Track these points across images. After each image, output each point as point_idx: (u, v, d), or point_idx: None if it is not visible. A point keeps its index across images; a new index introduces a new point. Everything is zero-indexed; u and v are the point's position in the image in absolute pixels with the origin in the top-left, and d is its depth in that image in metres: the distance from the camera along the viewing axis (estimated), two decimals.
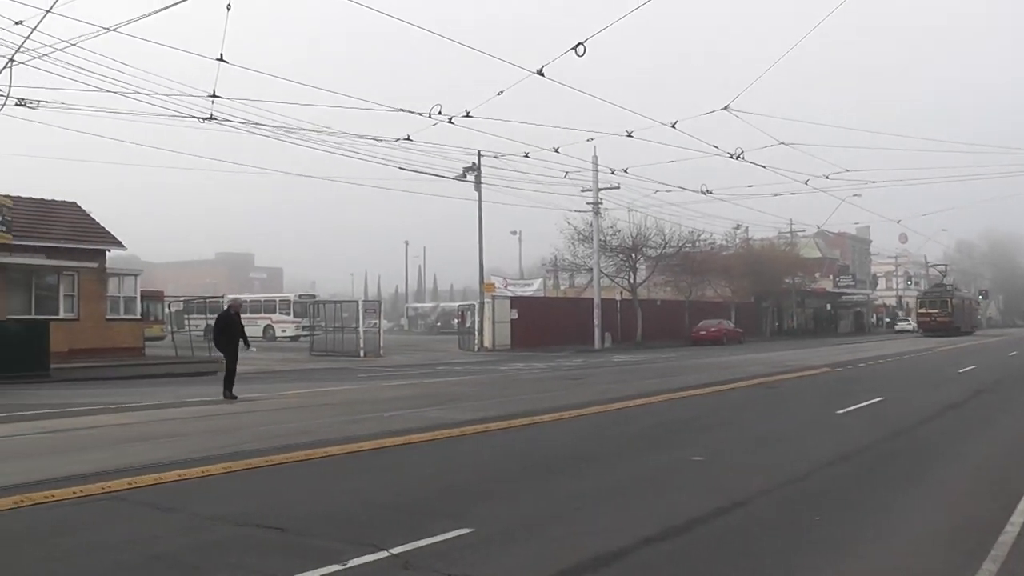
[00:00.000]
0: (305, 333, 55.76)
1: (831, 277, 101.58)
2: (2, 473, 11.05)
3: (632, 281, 63.46)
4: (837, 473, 11.49)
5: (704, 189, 44.64)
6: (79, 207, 41.21)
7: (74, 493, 9.75)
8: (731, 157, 35.05)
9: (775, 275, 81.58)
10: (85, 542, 7.86)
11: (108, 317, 37.85)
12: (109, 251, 38.39)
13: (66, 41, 26.05)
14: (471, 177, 49.34)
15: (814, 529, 8.47)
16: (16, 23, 26.81)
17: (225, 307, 22.94)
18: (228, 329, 21.71)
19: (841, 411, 18.26)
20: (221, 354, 22.09)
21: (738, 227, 79.99)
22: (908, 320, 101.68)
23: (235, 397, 20.86)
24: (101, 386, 25.97)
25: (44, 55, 26.27)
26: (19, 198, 38.46)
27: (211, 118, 28.73)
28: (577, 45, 21.63)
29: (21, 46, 25.54)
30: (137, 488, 10.06)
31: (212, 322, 23.37)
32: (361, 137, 34.99)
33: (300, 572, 6.81)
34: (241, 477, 10.96)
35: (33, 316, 33.56)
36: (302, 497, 9.73)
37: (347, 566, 6.99)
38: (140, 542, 7.79)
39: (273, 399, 21.67)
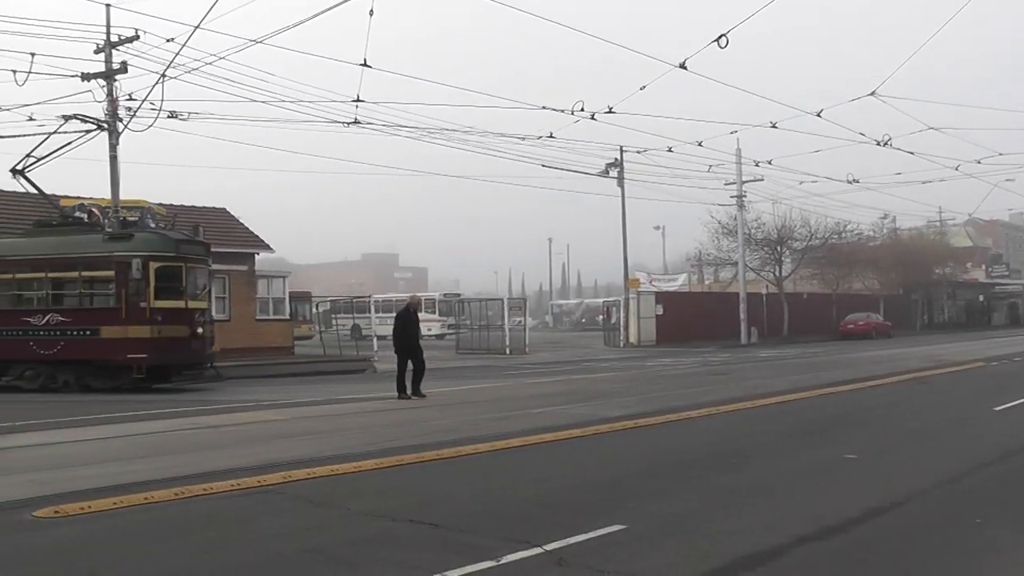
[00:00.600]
0: (451, 331, 56.44)
1: (983, 267, 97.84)
2: (163, 466, 11.50)
3: (778, 274, 62.33)
4: (997, 473, 11.06)
5: (850, 178, 43.52)
6: (228, 212, 42.60)
7: (231, 486, 10.05)
8: (878, 144, 34.08)
9: (924, 266, 78.88)
10: (243, 533, 8.09)
11: (258, 317, 38.85)
12: (258, 254, 39.47)
13: (214, 55, 26.98)
14: (613, 173, 49.18)
15: (974, 532, 8.15)
16: (167, 40, 27.90)
17: (405, 305, 21.85)
18: (408, 327, 21.04)
19: (998, 407, 17.59)
20: (396, 353, 21.11)
21: (885, 217, 77.79)
22: None
23: (423, 395, 20.60)
24: (253, 384, 26.83)
25: (193, 69, 27.28)
26: (171, 206, 39.95)
27: (355, 122, 29.34)
28: (720, 37, 21.30)
29: (172, 62, 26.56)
30: (291, 482, 10.29)
31: (354, 318, 22.60)
32: (503, 135, 35.32)
33: (454, 568, 6.84)
34: (393, 473, 11.12)
35: None
36: (454, 493, 9.81)
37: (501, 562, 7.00)
38: (295, 535, 7.95)
39: (419, 398, 21.95)
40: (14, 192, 39.37)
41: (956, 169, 40.88)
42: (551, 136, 33.40)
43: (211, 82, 49.31)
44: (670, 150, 38.38)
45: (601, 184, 52.65)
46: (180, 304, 25.11)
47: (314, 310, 54.25)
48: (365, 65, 24.40)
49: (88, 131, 25.47)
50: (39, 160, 26.18)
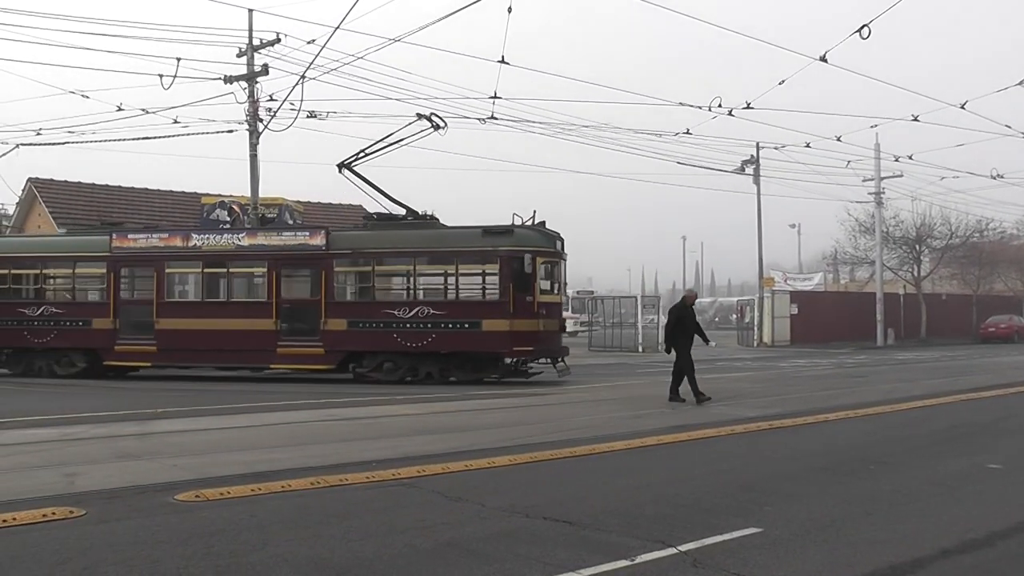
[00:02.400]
0: (583, 328, 56.31)
1: None
2: (301, 455, 11.77)
3: (916, 274, 60.56)
4: None
5: (994, 173, 42.07)
6: (365, 209, 43.32)
7: (366, 478, 10.20)
8: None
9: None
10: (379, 525, 8.14)
11: None
12: None
13: (352, 55, 27.51)
14: (749, 170, 48.44)
15: None
16: (308, 42, 28.52)
17: (682, 300, 20.19)
18: (682, 323, 19.48)
19: None
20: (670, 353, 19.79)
21: None
22: None
23: (708, 398, 18.92)
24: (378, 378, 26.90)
25: (332, 70, 27.84)
26: (309, 203, 40.87)
27: (492, 118, 29.54)
28: (861, 28, 20.79)
29: (312, 63, 27.14)
30: (425, 476, 10.37)
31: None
32: (639, 132, 35.16)
33: (589, 566, 6.81)
34: (527, 469, 11.12)
35: None
36: (588, 491, 9.75)
37: (635, 562, 6.95)
38: (430, 528, 8.00)
39: (556, 394, 21.97)
40: (156, 191, 40.95)
41: None
42: (688, 133, 33.07)
43: (349, 81, 50.23)
44: (808, 145, 37.67)
45: (736, 181, 52.03)
46: (556, 299, 26.21)
47: None
48: (503, 62, 24.53)
49: (421, 131, 26.16)
50: (364, 155, 26.85)
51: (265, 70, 30.03)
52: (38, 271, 28.09)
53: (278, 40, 29.70)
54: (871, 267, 59.10)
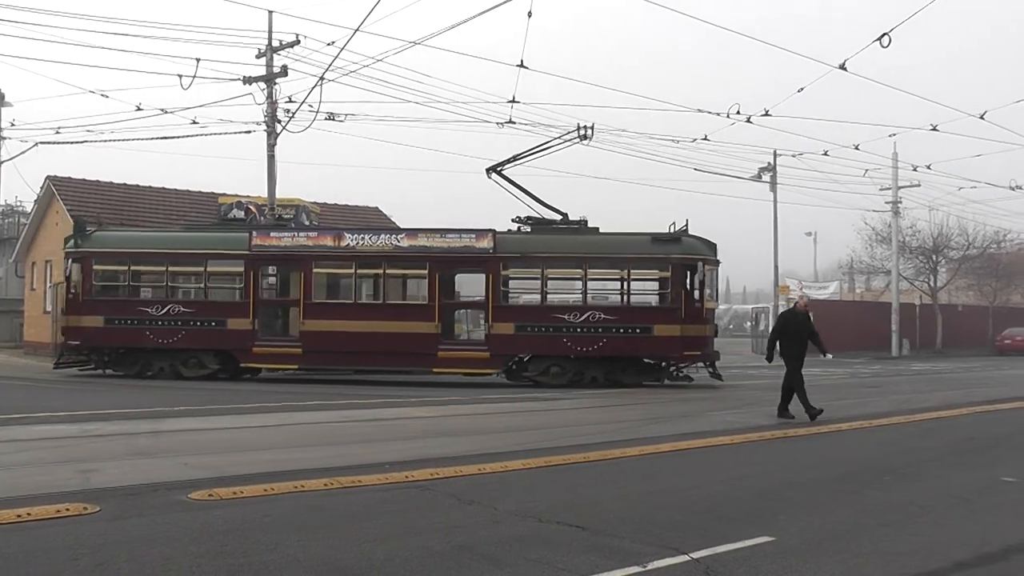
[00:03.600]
0: None
1: None
2: (315, 456, 11.79)
3: (932, 285, 60.31)
4: None
5: (1013, 184, 41.90)
6: (380, 211, 43.47)
7: (380, 480, 10.22)
8: None
9: None
10: (391, 527, 8.15)
11: None
12: None
13: (372, 57, 27.56)
14: (766, 177, 48.27)
15: None
16: (327, 44, 28.62)
17: (793, 307, 18.85)
18: (788, 331, 17.95)
19: None
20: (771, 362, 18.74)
21: None
22: None
23: (820, 411, 17.22)
24: (399, 380, 27.03)
25: (351, 72, 27.92)
26: (325, 204, 40.95)
27: (510, 122, 29.56)
28: (881, 36, 20.77)
29: (331, 65, 27.23)
30: (439, 479, 10.39)
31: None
32: (655, 137, 35.13)
33: (601, 571, 6.82)
34: (540, 474, 11.12)
35: None
36: (602, 497, 9.76)
37: (647, 568, 6.94)
38: (444, 531, 8.01)
39: (568, 399, 21.93)
40: (174, 190, 41.09)
41: None
42: (705, 139, 33.05)
43: (368, 84, 50.41)
44: (825, 153, 37.62)
45: (753, 188, 51.76)
46: (714, 305, 27.06)
47: None
48: (522, 66, 24.55)
49: (570, 141, 26.88)
50: (513, 161, 27.21)
51: (284, 71, 30.13)
52: (163, 268, 26.78)
53: (297, 42, 29.80)
54: (887, 277, 58.88)
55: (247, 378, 26.73)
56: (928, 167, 42.25)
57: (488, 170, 27.11)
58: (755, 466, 12.28)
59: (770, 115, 29.52)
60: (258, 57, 30.60)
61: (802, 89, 27.83)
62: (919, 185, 51.13)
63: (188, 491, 9.25)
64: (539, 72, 26.09)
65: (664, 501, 9.57)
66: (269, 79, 30.25)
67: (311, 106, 28.56)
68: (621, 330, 25.25)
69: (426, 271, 25.95)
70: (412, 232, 26.63)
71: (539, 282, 25.96)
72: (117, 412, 16.85)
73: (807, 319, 18.24)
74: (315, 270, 26.21)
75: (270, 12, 30.21)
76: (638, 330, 25.34)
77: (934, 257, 59.65)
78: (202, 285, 27.11)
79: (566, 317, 25.32)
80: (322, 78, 27.59)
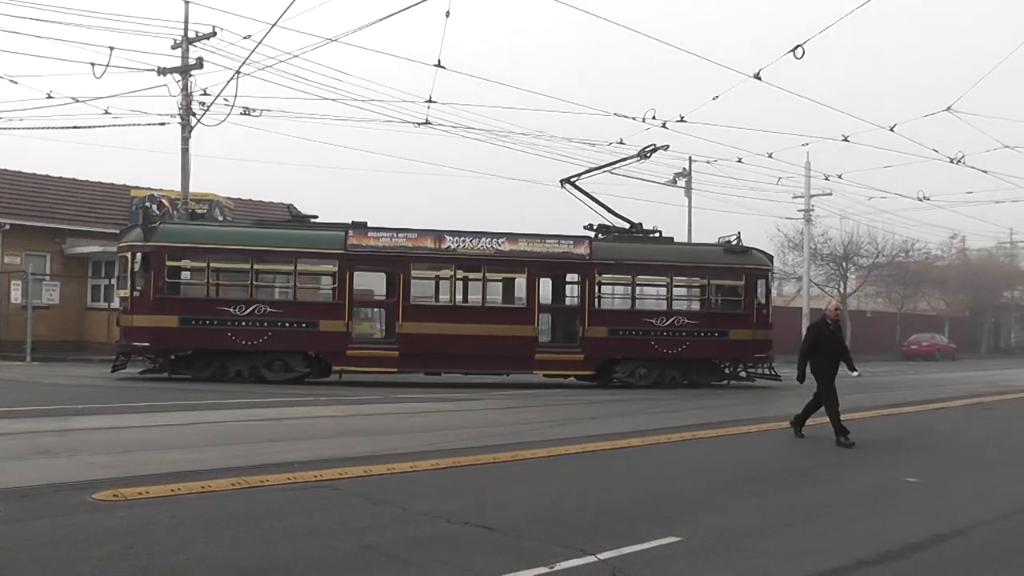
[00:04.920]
0: None
1: None
2: (222, 456, 11.65)
3: (842, 291, 61.54)
4: None
5: (921, 196, 42.74)
6: (295, 208, 43.01)
7: (288, 479, 10.12)
8: (951, 162, 33.50)
9: (993, 288, 77.37)
10: (299, 527, 8.08)
11: None
12: None
13: (289, 53, 27.20)
14: (681, 183, 48.72)
15: None
16: (244, 37, 28.26)
17: (823, 312, 16.41)
18: (821, 343, 15.67)
19: None
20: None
21: (955, 236, 76.28)
22: None
23: (848, 439, 14.74)
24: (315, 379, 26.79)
25: (268, 67, 27.59)
26: (240, 200, 40.47)
27: (427, 123, 29.45)
28: (796, 48, 21.04)
29: (247, 59, 26.89)
30: (347, 479, 10.32)
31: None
32: (572, 141, 35.32)
33: (508, 572, 6.83)
34: (449, 475, 11.11)
35: None
36: (510, 497, 9.78)
37: (554, 569, 6.96)
38: (352, 531, 7.96)
39: (479, 400, 21.95)
40: (85, 181, 40.24)
41: None
42: (621, 143, 33.26)
43: (285, 79, 49.87)
44: (740, 161, 38.02)
45: (669, 193, 52.24)
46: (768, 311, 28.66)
47: None
48: (439, 66, 24.47)
49: (643, 157, 29.69)
50: (586, 174, 29.31)
51: (200, 63, 29.66)
52: (248, 266, 25.07)
53: (214, 33, 29.35)
54: (798, 283, 59.88)
55: (341, 382, 25.72)
56: (839, 176, 43.09)
57: (562, 181, 28.71)
58: (665, 467, 12.42)
59: (685, 121, 29.79)
60: (174, 48, 30.09)
61: (717, 97, 28.11)
62: (831, 194, 52.04)
63: (92, 492, 9.05)
64: (457, 73, 25.99)
65: (573, 502, 9.60)
66: (184, 71, 29.76)
67: (227, 100, 28.13)
68: (701, 334, 27.22)
69: (525, 275, 26.54)
70: (513, 237, 26.75)
71: (629, 288, 27.42)
72: (27, 410, 16.40)
73: (838, 329, 16.20)
74: (413, 271, 26.01)
75: (186, 2, 29.70)
76: (716, 334, 27.38)
77: (844, 264, 60.89)
78: (292, 284, 26.14)
79: (653, 321, 27.00)
80: (238, 72, 27.23)
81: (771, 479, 11.52)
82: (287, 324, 25.04)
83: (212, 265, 25.20)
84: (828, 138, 34.74)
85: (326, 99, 29.84)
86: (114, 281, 26.58)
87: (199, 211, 31.97)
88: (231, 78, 27.55)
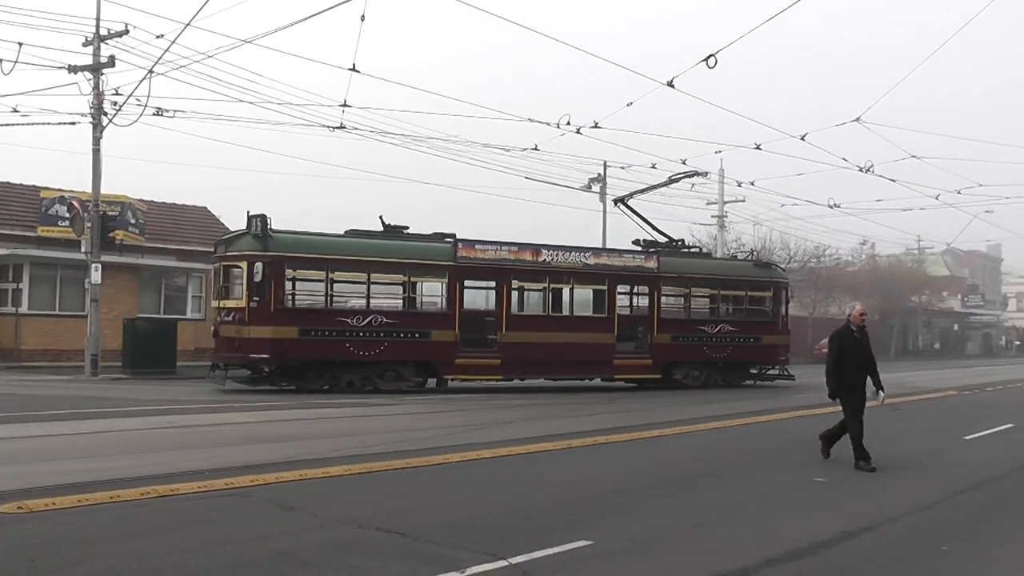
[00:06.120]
0: None
1: (959, 297, 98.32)
2: (131, 464, 11.42)
3: None
4: (966, 502, 11.01)
5: (832, 203, 43.62)
6: (209, 212, 42.53)
7: (198, 488, 9.98)
8: (860, 170, 34.27)
9: (901, 293, 79.25)
10: (209, 535, 7.99)
11: None
12: None
13: (203, 53, 26.83)
14: (596, 188, 49.03)
15: (941, 560, 8.16)
16: (157, 36, 27.81)
17: (846, 317, 14.09)
18: (850, 355, 13.34)
19: (969, 436, 17.63)
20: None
21: (864, 243, 77.99)
22: None
23: (869, 463, 12.95)
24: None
25: (181, 67, 27.16)
26: (152, 202, 39.83)
27: (341, 127, 29.27)
28: (708, 57, 21.32)
29: (160, 58, 26.47)
30: (259, 486, 10.22)
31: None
32: (488, 146, 35.30)
33: None
34: (362, 480, 11.06)
35: (162, 315, 34.59)
36: (422, 503, 9.77)
37: (465, 574, 6.96)
38: (262, 539, 7.89)
39: (396, 404, 21.85)
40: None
41: (936, 198, 41.07)
42: (535, 148, 33.39)
43: (199, 80, 49.18)
44: (654, 167, 38.28)
45: (584, 199, 52.48)
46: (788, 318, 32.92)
47: None
48: (354, 70, 24.34)
49: (690, 177, 35.05)
50: (639, 193, 33.76)
51: (112, 62, 29.07)
52: (365, 276, 25.17)
53: (127, 31, 28.77)
54: None
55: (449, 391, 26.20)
56: (752, 183, 43.65)
57: (615, 201, 33.37)
58: (578, 471, 12.46)
59: (600, 127, 30.03)
60: (85, 45, 29.45)
61: (631, 103, 28.37)
62: (744, 200, 52.87)
63: None
64: (372, 77, 25.87)
65: (485, 507, 9.61)
66: (96, 69, 29.17)
67: (139, 100, 27.64)
68: (741, 339, 30.71)
69: (605, 287, 28.63)
70: (596, 251, 30.24)
71: (685, 298, 30.55)
72: None
73: (864, 337, 13.61)
74: (513, 283, 27.47)
75: None
76: (752, 339, 30.98)
77: None
78: (404, 295, 26.12)
79: (706, 329, 30.20)
80: (151, 71, 26.78)
81: (684, 481, 11.64)
82: (401, 334, 25.43)
83: (331, 275, 25.10)
84: (741, 146, 35.21)
85: (241, 101, 29.41)
86: (217, 291, 25.78)
87: (111, 213, 31.41)
88: (144, 77, 27.08)
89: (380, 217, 26.80)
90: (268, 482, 10.43)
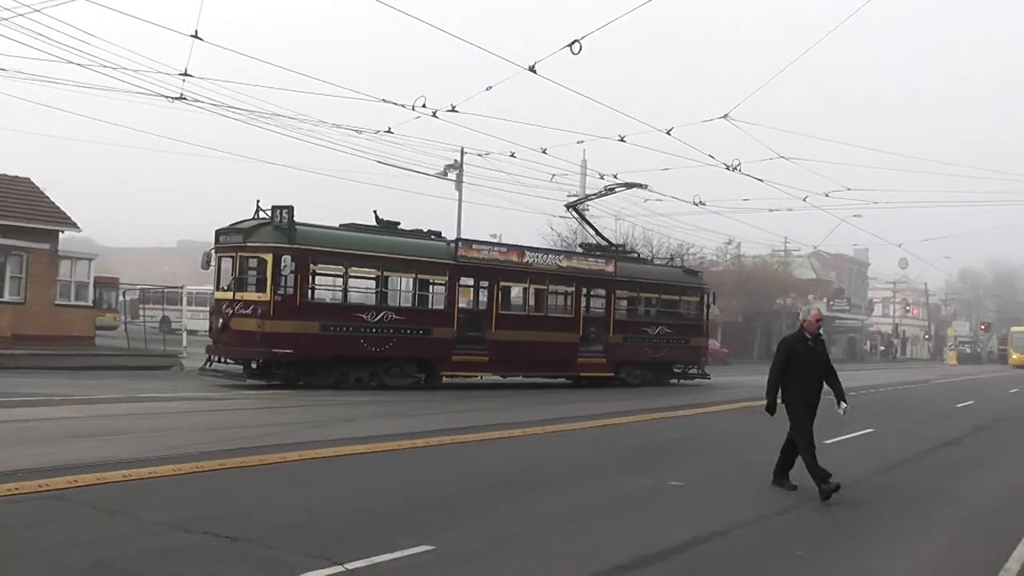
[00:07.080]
0: None
1: (825, 300, 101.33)
2: None
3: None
4: (820, 506, 11.26)
5: (697, 200, 44.29)
6: (32, 183, 40.44)
7: (8, 491, 9.52)
8: (728, 168, 34.78)
9: (766, 295, 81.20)
10: (21, 544, 7.67)
11: (57, 302, 36.04)
12: (63, 232, 36.87)
13: (29, 7, 25.57)
14: (452, 175, 48.82)
15: (796, 564, 8.39)
16: None
17: (799, 323, 12.74)
18: (802, 365, 12.26)
19: (828, 441, 18.02)
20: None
21: (730, 242, 79.61)
22: None
23: (835, 487, 11.40)
24: (46, 375, 25.50)
25: (4, 19, 25.88)
26: None
27: (181, 98, 28.38)
28: (573, 42, 21.36)
29: None
30: (79, 487, 9.85)
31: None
32: (338, 127, 34.64)
33: None
34: (191, 480, 10.80)
35: None
36: (256, 505, 9.60)
37: None
38: (81, 546, 7.64)
39: (232, 399, 21.37)
40: None
41: (804, 200, 41.95)
42: (389, 131, 33.01)
43: (23, 36, 47.12)
44: (513, 155, 38.31)
45: (439, 186, 52.15)
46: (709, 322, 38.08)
47: (120, 298, 51.75)
48: (196, 37, 23.62)
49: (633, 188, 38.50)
50: (586, 200, 39.67)
51: None
52: (378, 272, 26.21)
53: None
54: None
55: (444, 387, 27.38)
56: (615, 176, 44.09)
57: (567, 207, 38.32)
58: (424, 473, 12.42)
59: (457, 111, 29.82)
60: None
61: (491, 87, 28.27)
62: (606, 194, 53.35)
63: None
64: (216, 46, 25.05)
65: (324, 509, 9.50)
66: None
67: None
68: (674, 341, 33.90)
69: (573, 289, 31.03)
70: (568, 254, 34.00)
71: (632, 302, 33.32)
72: None
73: (820, 344, 12.71)
74: (501, 283, 29.42)
75: None
76: (684, 341, 34.39)
77: None
78: (411, 292, 27.38)
79: (648, 331, 33.06)
80: None
81: (535, 484, 11.69)
82: (408, 331, 26.50)
83: (348, 270, 25.79)
84: (604, 137, 35.47)
85: (71, 63, 28.06)
86: (228, 282, 25.25)
87: None
88: None
89: (374, 212, 27.62)
90: (89, 483, 10.07)
